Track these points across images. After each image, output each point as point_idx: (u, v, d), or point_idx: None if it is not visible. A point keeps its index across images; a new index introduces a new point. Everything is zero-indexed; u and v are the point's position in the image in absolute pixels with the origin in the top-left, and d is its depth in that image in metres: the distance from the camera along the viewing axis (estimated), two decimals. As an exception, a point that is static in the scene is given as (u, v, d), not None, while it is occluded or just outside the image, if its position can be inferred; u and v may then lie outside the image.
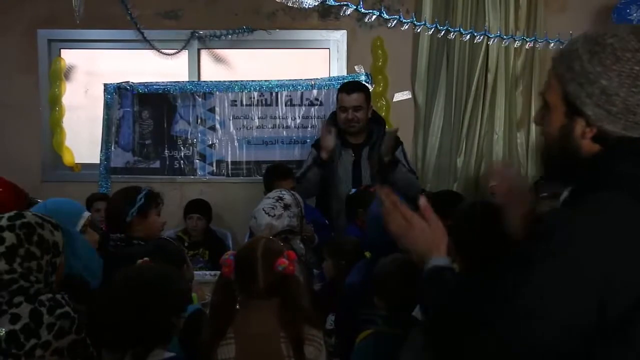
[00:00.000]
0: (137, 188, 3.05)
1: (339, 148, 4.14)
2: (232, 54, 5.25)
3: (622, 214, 1.19)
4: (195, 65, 5.17)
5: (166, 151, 5.06)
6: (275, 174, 4.16)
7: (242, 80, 5.03)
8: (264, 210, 2.93)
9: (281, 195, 3.01)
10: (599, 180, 1.26)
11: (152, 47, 4.97)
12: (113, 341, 1.89)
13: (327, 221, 4.10)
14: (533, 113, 4.92)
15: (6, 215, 1.95)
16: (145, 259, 2.17)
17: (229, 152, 5.05)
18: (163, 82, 5.03)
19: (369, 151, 4.12)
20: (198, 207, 4.64)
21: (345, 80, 4.73)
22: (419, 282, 1.46)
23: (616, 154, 1.27)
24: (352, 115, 4.06)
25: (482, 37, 4.00)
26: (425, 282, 1.44)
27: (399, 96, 4.97)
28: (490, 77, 4.83)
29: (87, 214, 2.71)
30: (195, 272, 3.09)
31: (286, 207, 2.94)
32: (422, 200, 1.56)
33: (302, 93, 5.01)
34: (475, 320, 1.24)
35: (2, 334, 1.83)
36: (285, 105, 5.03)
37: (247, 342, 2.03)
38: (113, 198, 3.24)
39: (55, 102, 5.08)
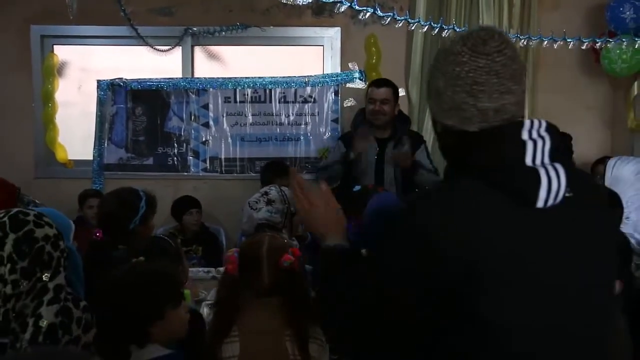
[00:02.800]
0: (135, 192, 2.90)
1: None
2: (225, 51, 5.24)
3: (467, 195, 1.29)
4: (189, 61, 5.16)
5: (159, 148, 5.05)
6: (274, 171, 4.22)
7: (235, 77, 5.02)
8: (249, 203, 3.11)
9: (268, 191, 3.11)
10: (456, 169, 1.40)
11: (146, 44, 4.96)
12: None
13: None
14: (527, 110, 4.94)
15: (6, 217, 1.89)
16: (141, 258, 2.14)
17: (223, 149, 5.05)
18: (156, 79, 5.01)
19: (393, 147, 4.24)
20: (194, 203, 4.63)
21: (340, 78, 4.88)
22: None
23: (465, 147, 1.35)
24: (379, 107, 4.21)
25: (475, 35, 4.00)
26: (319, 261, 1.55)
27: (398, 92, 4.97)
28: (483, 74, 4.83)
29: (73, 225, 2.58)
30: (189, 269, 3.08)
31: (269, 202, 3.04)
32: (323, 185, 1.66)
33: (295, 90, 5.01)
34: (344, 296, 1.38)
35: (44, 325, 1.81)
36: (279, 102, 5.02)
37: (251, 340, 2.02)
38: (109, 203, 3.01)
39: (48, 98, 5.05)
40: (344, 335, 1.45)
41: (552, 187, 1.26)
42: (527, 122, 1.33)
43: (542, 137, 1.31)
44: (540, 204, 1.26)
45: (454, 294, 1.26)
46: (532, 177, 1.26)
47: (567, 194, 1.28)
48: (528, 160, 1.28)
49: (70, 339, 1.85)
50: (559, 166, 1.28)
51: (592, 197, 1.39)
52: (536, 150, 1.29)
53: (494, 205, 1.27)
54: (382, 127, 4.28)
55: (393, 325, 1.35)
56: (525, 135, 1.30)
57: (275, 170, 4.22)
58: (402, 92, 4.93)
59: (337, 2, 3.29)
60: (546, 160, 1.29)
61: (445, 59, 1.37)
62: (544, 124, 1.34)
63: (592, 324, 1.32)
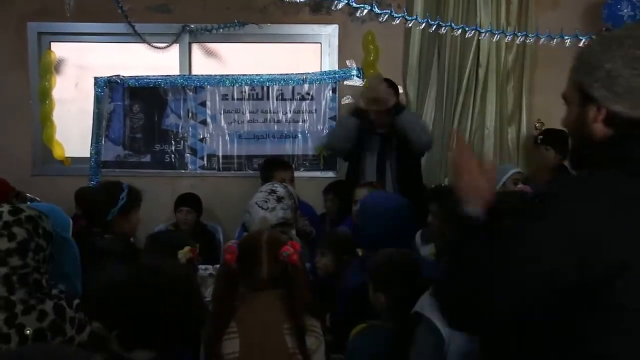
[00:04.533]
0: (118, 184, 2.95)
1: (367, 136, 4.19)
2: (223, 48, 5.23)
3: (616, 187, 1.28)
4: (187, 59, 5.16)
5: (157, 145, 5.05)
6: (273, 166, 4.21)
7: (233, 75, 5.01)
8: (257, 204, 2.93)
9: (274, 188, 3.01)
10: (604, 161, 1.35)
11: (143, 41, 4.95)
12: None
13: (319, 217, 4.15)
14: (524, 108, 4.95)
15: (5, 209, 1.90)
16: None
17: (220, 146, 5.04)
18: (154, 76, 5.00)
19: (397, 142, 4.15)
20: (188, 201, 4.63)
21: (337, 75, 4.84)
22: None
23: (625, 136, 1.34)
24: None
25: (473, 32, 4.00)
26: (454, 228, 1.54)
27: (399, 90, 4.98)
28: (481, 72, 4.84)
29: (71, 221, 2.60)
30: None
31: (279, 199, 2.94)
32: (489, 157, 1.65)
33: (293, 87, 5.01)
34: (474, 263, 1.35)
35: (28, 333, 1.78)
36: (277, 100, 5.02)
37: (251, 335, 2.02)
38: (93, 193, 3.09)
39: (45, 96, 5.05)
40: (464, 306, 1.39)
41: None
42: None
43: None
44: None
45: (600, 286, 1.24)
46: None
47: None
48: None
49: (63, 340, 1.83)
50: None
51: None
52: None
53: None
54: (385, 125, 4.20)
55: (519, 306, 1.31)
56: None
57: (274, 166, 4.23)
58: (400, 90, 4.94)
59: (335, -1, 3.28)
60: None
61: (621, 43, 1.34)
62: None
63: None
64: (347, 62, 4.91)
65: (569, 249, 1.24)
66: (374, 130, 4.18)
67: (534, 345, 1.34)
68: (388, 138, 4.18)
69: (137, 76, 4.99)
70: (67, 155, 5.13)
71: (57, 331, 1.82)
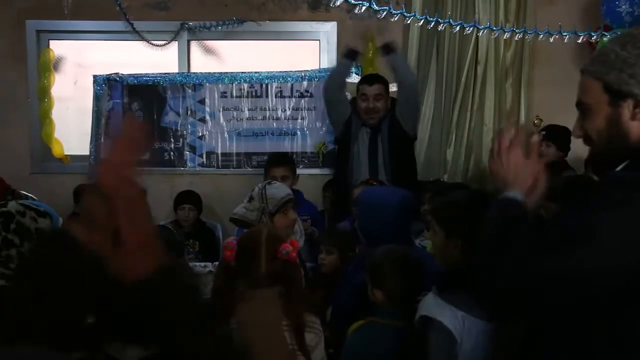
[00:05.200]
0: None
1: (357, 127, 4.22)
2: (222, 46, 5.23)
3: None
4: (185, 56, 5.16)
5: (156, 143, 5.04)
6: (270, 161, 4.26)
7: (232, 72, 5.02)
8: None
9: (254, 188, 3.02)
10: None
11: (142, 39, 4.95)
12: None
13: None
14: (522, 104, 4.95)
15: None
16: None
17: (219, 144, 5.04)
18: (153, 74, 5.01)
19: (387, 127, 4.17)
20: (189, 198, 4.64)
21: None
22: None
23: None
24: (373, 104, 4.13)
25: (471, 29, 4.01)
26: (492, 209, 1.53)
27: (389, 88, 4.97)
28: (480, 68, 4.84)
29: (60, 219, 2.57)
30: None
31: (250, 199, 2.96)
32: (535, 138, 1.63)
33: (292, 85, 5.00)
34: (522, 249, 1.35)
35: None
36: (276, 97, 5.02)
37: (250, 332, 2.02)
38: (89, 194, 3.05)
39: (44, 94, 5.04)
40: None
41: None
42: None
43: None
44: None
45: None
46: None
47: None
48: None
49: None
50: None
51: None
52: None
53: None
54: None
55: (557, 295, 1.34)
56: None
57: (270, 161, 4.27)
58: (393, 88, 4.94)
59: (333, -4, 3.29)
60: None
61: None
62: None
63: None
64: (346, 60, 4.91)
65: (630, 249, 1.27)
66: (363, 122, 4.20)
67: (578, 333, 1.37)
68: (378, 129, 4.18)
69: (136, 74, 5.00)
70: (66, 153, 5.13)
71: None
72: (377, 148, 4.17)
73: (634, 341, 1.33)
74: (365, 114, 4.17)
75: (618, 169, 1.43)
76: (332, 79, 4.36)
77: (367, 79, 4.29)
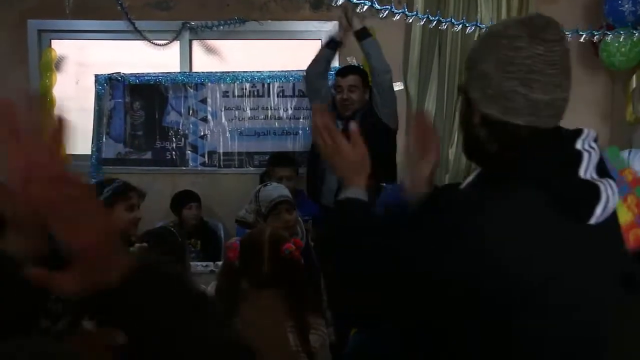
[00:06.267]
0: (112, 181, 2.88)
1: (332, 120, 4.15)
2: (223, 45, 5.23)
3: (527, 209, 1.21)
4: (187, 56, 5.16)
5: (158, 142, 5.05)
6: (271, 161, 4.27)
7: (234, 72, 5.02)
8: None
9: (258, 187, 3.06)
10: (509, 173, 1.26)
11: (144, 38, 4.95)
12: None
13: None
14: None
15: None
16: (144, 244, 2.12)
17: (221, 143, 5.04)
18: (154, 73, 5.01)
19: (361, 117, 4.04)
20: (193, 197, 4.63)
21: None
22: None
23: (510, 146, 1.27)
24: (347, 95, 4.10)
25: (474, 28, 3.99)
26: (334, 209, 1.50)
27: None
28: (482, 68, 4.83)
29: None
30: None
31: (250, 201, 2.98)
32: (353, 125, 1.58)
33: (294, 84, 5.00)
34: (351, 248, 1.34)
35: None
36: (277, 97, 5.02)
37: (253, 333, 2.01)
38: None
39: (46, 93, 5.04)
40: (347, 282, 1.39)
41: (609, 204, 1.20)
42: (584, 131, 1.27)
43: (593, 149, 1.25)
44: (593, 220, 1.20)
45: (493, 303, 1.19)
46: (592, 191, 1.19)
47: None
48: (581, 173, 1.20)
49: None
50: (612, 182, 1.22)
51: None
52: (589, 163, 1.22)
53: (549, 219, 1.20)
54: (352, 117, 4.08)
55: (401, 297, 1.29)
56: (579, 145, 1.24)
57: (271, 161, 4.28)
58: (400, 86, 4.93)
59: (335, -5, 3.28)
60: (594, 174, 1.21)
61: (497, 43, 1.27)
62: (592, 135, 1.28)
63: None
64: (348, 59, 4.90)
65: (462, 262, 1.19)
66: (338, 115, 4.09)
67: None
68: (351, 120, 4.03)
69: (137, 73, 5.00)
70: (67, 152, 5.09)
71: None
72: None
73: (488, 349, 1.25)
74: (340, 105, 4.13)
75: (467, 180, 1.40)
76: (312, 65, 4.33)
77: (341, 71, 4.29)
